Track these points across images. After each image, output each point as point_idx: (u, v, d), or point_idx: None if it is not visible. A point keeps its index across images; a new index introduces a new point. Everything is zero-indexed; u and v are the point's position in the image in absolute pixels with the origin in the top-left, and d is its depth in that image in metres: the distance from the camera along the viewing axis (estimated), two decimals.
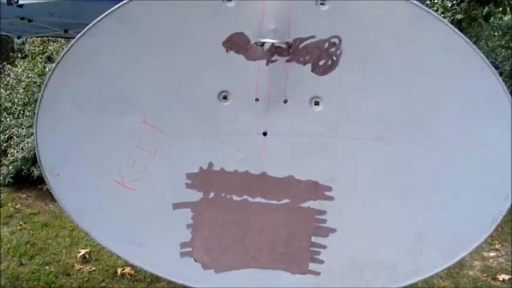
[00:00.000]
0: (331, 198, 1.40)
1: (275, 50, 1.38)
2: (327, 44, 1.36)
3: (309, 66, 1.39)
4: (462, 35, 1.33)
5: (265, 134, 1.42)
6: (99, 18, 1.41)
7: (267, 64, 1.39)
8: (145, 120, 1.43)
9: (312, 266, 1.42)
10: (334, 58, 1.37)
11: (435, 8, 12.10)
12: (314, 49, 1.38)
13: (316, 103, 1.40)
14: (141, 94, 1.44)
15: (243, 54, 1.39)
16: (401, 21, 1.34)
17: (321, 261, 1.41)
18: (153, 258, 1.50)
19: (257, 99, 1.41)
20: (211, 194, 1.44)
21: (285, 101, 1.41)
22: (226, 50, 1.39)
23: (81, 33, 1.42)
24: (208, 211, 1.44)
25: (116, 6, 1.40)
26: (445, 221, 1.37)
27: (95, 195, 1.49)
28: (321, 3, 1.35)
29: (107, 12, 1.41)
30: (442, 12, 11.55)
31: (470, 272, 5.44)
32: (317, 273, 1.42)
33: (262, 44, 1.38)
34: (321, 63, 1.38)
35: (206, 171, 1.43)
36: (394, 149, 1.37)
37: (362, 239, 1.41)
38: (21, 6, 2.82)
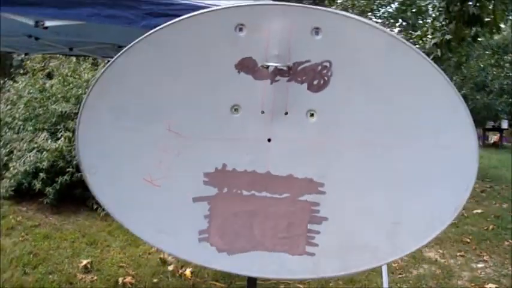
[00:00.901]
0: (323, 192, 1.67)
1: (278, 71, 1.65)
2: (320, 67, 1.64)
3: (305, 85, 1.66)
4: (429, 59, 1.61)
5: (269, 140, 1.69)
6: (134, 42, 1.69)
7: (271, 83, 1.66)
8: (170, 128, 1.72)
9: (308, 249, 1.68)
10: (326, 78, 1.64)
11: (425, 29, 12.38)
12: (309, 71, 1.65)
13: (311, 115, 1.67)
14: (167, 106, 1.72)
15: (252, 75, 1.67)
16: (379, 48, 1.63)
17: (316, 245, 1.67)
18: (176, 243, 1.78)
19: (263, 112, 1.69)
20: (225, 190, 1.72)
21: (286, 113, 1.68)
22: (238, 71, 1.67)
23: (119, 54, 1.70)
24: (222, 204, 1.72)
25: (149, 32, 1.69)
26: (418, 209, 1.64)
27: (127, 191, 1.77)
28: (315, 34, 1.63)
29: (140, 38, 1.68)
30: (432, 33, 11.82)
31: (459, 282, 5.63)
32: (312, 254, 1.67)
33: (267, 66, 1.65)
34: (315, 82, 1.65)
35: (220, 171, 1.72)
36: (375, 151, 1.64)
37: (349, 225, 1.68)
38: (46, 28, 3.06)
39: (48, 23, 3.19)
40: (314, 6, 1.63)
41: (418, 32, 13.34)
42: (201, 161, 1.73)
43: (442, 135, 1.62)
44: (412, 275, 5.96)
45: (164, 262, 5.91)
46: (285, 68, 1.65)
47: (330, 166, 1.68)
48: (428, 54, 11.50)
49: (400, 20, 24.74)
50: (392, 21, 25.22)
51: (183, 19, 1.68)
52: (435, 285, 5.61)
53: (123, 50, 1.68)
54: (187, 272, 5.63)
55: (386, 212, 1.67)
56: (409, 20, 22.78)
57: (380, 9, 24.49)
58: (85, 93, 6.93)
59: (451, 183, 1.62)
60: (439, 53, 11.18)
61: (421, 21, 20.11)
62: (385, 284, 3.85)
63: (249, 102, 1.70)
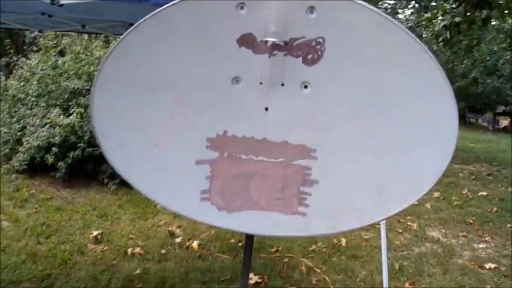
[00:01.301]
0: (315, 158, 1.81)
1: (275, 46, 1.79)
2: (314, 43, 1.77)
3: (300, 59, 1.79)
4: (414, 37, 1.73)
5: (266, 109, 1.84)
6: (143, 19, 1.84)
7: (269, 57, 1.80)
8: (176, 98, 1.88)
9: (300, 209, 1.83)
10: (319, 53, 1.78)
11: (435, 11, 12.35)
12: (304, 46, 1.78)
13: (305, 86, 1.81)
14: (173, 78, 1.88)
15: (251, 49, 1.82)
16: (369, 26, 1.76)
17: (307, 205, 1.83)
18: (180, 202, 1.94)
19: (261, 83, 1.83)
20: (225, 154, 1.88)
21: (282, 85, 1.82)
22: (239, 46, 1.82)
23: (130, 29, 1.85)
24: (223, 166, 1.88)
25: (157, 10, 1.83)
26: (400, 174, 1.79)
27: (137, 154, 1.94)
28: (310, 12, 1.77)
29: (149, 15, 1.83)
30: (442, 15, 11.81)
31: (459, 261, 5.79)
32: (304, 214, 1.83)
33: (266, 41, 1.78)
34: (309, 56, 1.79)
35: (221, 137, 1.87)
36: (363, 121, 1.78)
37: (338, 188, 1.82)
38: (61, 5, 3.19)
39: (63, 1, 3.32)
40: None
41: (428, 14, 13.30)
42: (204, 127, 1.89)
43: (424, 107, 1.75)
44: (414, 252, 6.11)
45: (172, 235, 6.10)
46: (282, 43, 1.79)
47: (321, 134, 1.82)
48: (437, 36, 11.53)
49: (413, 2, 24.61)
50: (404, 2, 25.09)
51: None
52: (436, 262, 5.76)
53: (133, 26, 1.83)
54: (195, 244, 5.82)
55: (371, 177, 1.81)
56: (422, 1, 22.65)
57: None
58: (97, 70, 7.10)
59: (431, 152, 1.76)
60: (448, 35, 11.20)
61: (433, 3, 20.03)
62: (384, 259, 3.99)
63: (248, 74, 1.85)
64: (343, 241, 6.36)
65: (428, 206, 8.28)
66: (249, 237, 2.00)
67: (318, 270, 5.43)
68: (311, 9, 1.76)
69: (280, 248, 5.96)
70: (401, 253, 6.18)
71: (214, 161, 1.88)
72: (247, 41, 1.82)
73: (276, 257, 5.73)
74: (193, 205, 1.92)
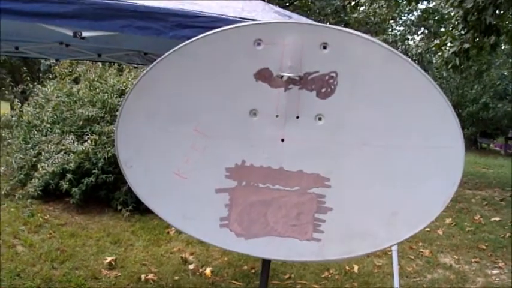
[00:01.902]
0: (329, 186, 1.90)
1: (291, 80, 1.88)
2: (327, 77, 1.87)
3: (314, 92, 1.89)
4: (421, 70, 1.82)
5: (283, 140, 1.93)
6: (166, 54, 1.94)
7: (285, 91, 1.90)
8: (197, 128, 1.98)
9: (315, 235, 1.91)
10: (332, 87, 1.88)
11: (444, 37, 12.45)
12: (318, 80, 1.88)
13: (319, 119, 1.90)
14: (194, 110, 1.98)
15: (268, 83, 1.92)
16: (378, 60, 1.85)
17: (322, 231, 1.91)
18: (200, 228, 2.03)
19: (277, 116, 1.93)
20: (244, 183, 1.97)
21: (297, 117, 1.91)
22: (256, 80, 1.92)
23: (153, 64, 1.95)
24: (241, 195, 1.97)
25: (179, 46, 1.94)
26: (409, 201, 1.86)
27: (158, 182, 2.03)
28: (323, 48, 1.87)
29: (172, 50, 1.93)
30: (451, 41, 11.91)
31: (472, 287, 5.80)
32: (318, 240, 1.90)
33: (282, 76, 1.88)
34: (323, 90, 1.88)
35: (240, 166, 1.97)
36: (376, 150, 1.87)
37: (351, 215, 1.90)
38: (83, 38, 3.31)
39: (85, 34, 3.44)
40: (322, 24, 1.87)
41: (438, 41, 13.39)
42: (223, 157, 1.98)
43: (432, 137, 1.83)
44: (426, 279, 6.11)
45: (185, 261, 6.15)
46: (297, 78, 1.89)
47: (335, 163, 1.91)
48: (447, 63, 11.63)
49: (422, 28, 24.76)
50: (414, 29, 25.24)
51: (209, 34, 1.92)
52: None
53: (157, 61, 1.94)
54: (208, 271, 5.86)
55: (383, 204, 1.89)
56: (432, 27, 22.81)
57: (402, 17, 24.55)
58: (110, 98, 7.21)
59: (440, 179, 1.83)
60: (457, 62, 11.29)
61: (443, 29, 20.18)
62: (397, 286, 4.02)
63: (265, 107, 1.94)
64: (356, 268, 6.39)
65: (440, 232, 8.28)
66: (266, 262, 2.08)
67: None
68: (324, 45, 1.86)
69: (292, 275, 5.99)
70: (413, 279, 6.18)
71: (233, 190, 1.97)
72: (263, 75, 1.92)
73: (288, 284, 5.76)
74: (212, 232, 2.00)
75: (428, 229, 8.40)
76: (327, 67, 1.88)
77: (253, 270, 5.94)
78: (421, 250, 7.22)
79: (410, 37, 26.00)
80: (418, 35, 26.23)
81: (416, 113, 1.84)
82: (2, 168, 9.29)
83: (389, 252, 6.50)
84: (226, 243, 2.01)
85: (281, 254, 1.97)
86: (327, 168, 1.90)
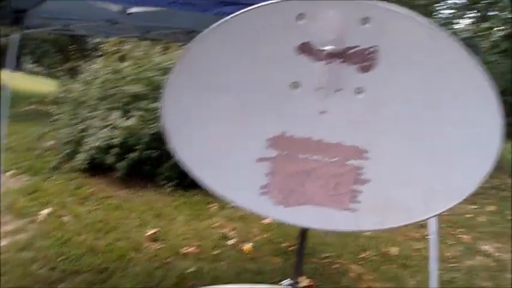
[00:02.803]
0: (367, 158, 1.94)
1: (332, 54, 1.91)
2: (368, 51, 1.89)
3: (355, 66, 1.91)
4: (463, 45, 1.81)
5: (323, 112, 1.98)
6: (211, 26, 2.00)
7: (326, 64, 1.93)
8: (239, 99, 2.05)
9: (352, 205, 1.95)
10: (373, 61, 1.90)
11: (494, 20, 12.19)
12: (359, 54, 1.90)
13: (359, 92, 1.93)
14: (236, 82, 2.04)
15: (309, 57, 1.95)
16: (420, 35, 1.86)
17: (358, 202, 1.95)
18: (241, 196, 2.12)
19: (318, 88, 1.97)
20: (284, 153, 2.02)
21: (338, 90, 1.95)
22: (298, 54, 1.97)
23: (198, 36, 2.02)
24: (281, 164, 2.02)
25: (223, 20, 2.00)
26: (448, 176, 1.89)
27: (202, 151, 2.12)
28: (365, 23, 1.89)
29: (216, 23, 1.98)
30: (500, 25, 11.67)
31: None
32: (355, 210, 1.95)
33: (323, 50, 1.92)
34: (364, 64, 1.89)
35: (280, 137, 2.02)
36: (413, 124, 1.90)
37: (388, 187, 1.93)
38: (130, 14, 3.41)
39: (132, 9, 3.55)
40: (365, 0, 1.89)
41: (487, 24, 13.13)
42: (264, 128, 2.04)
43: (470, 113, 1.84)
44: (464, 265, 6.10)
45: (225, 237, 6.29)
46: (338, 52, 1.92)
47: (373, 136, 1.94)
48: (495, 46, 11.41)
49: (471, 11, 24.20)
50: (462, 12, 24.69)
51: (252, 9, 1.97)
52: (487, 276, 5.74)
53: (201, 33, 2.00)
54: (247, 246, 5.98)
55: (419, 178, 1.91)
56: (481, 11, 22.27)
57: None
58: (156, 76, 7.35)
59: (476, 156, 1.84)
60: (506, 45, 11.07)
61: (492, 13, 19.70)
62: (434, 270, 4.02)
63: (306, 80, 1.99)
64: (394, 250, 6.41)
65: (482, 219, 8.20)
66: (303, 231, 2.14)
67: (367, 278, 5.50)
68: (366, 20, 1.89)
69: (330, 254, 6.06)
70: (451, 265, 6.17)
71: (273, 159, 2.03)
72: (305, 49, 1.95)
73: (326, 263, 5.83)
74: (253, 199, 2.07)
75: (469, 215, 8.34)
76: (368, 42, 1.90)
77: (291, 248, 6.03)
78: (461, 236, 7.18)
79: (457, 21, 25.43)
80: (466, 19, 25.65)
81: (456, 89, 1.85)
82: (50, 142, 9.59)
83: (428, 237, 6.50)
84: (266, 210, 2.08)
85: (318, 223, 2.03)
86: (366, 141, 1.94)
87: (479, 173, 1.85)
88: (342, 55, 1.93)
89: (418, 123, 1.91)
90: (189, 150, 2.12)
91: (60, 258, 5.25)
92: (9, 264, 5.02)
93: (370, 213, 1.96)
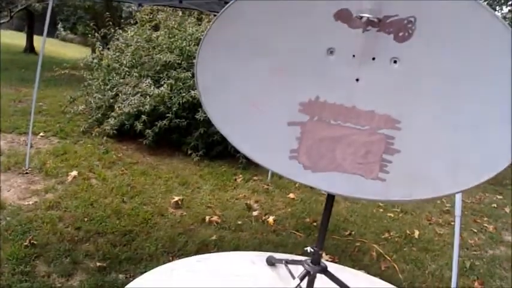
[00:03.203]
0: (399, 128, 1.93)
1: (369, 22, 1.90)
2: (405, 21, 1.87)
3: (392, 35, 1.90)
4: (501, 20, 1.81)
5: (357, 80, 1.96)
6: None
7: (363, 32, 1.92)
8: (274, 63, 2.05)
9: (381, 175, 1.95)
10: (410, 31, 1.88)
11: None
12: (396, 24, 1.88)
13: (395, 62, 1.92)
14: (272, 45, 2.04)
15: (347, 24, 1.95)
16: (459, 8, 1.84)
17: (387, 172, 1.95)
18: (268, 158, 2.13)
19: (354, 56, 1.96)
20: (316, 118, 2.03)
21: (373, 58, 1.93)
22: (335, 20, 1.96)
23: (233, 1, 2.04)
24: (312, 129, 2.03)
25: None
26: (478, 152, 1.86)
27: (233, 111, 2.14)
28: None
29: None
30: None
31: None
32: (383, 180, 1.95)
33: (361, 17, 1.91)
34: (400, 34, 1.89)
35: (313, 102, 2.03)
36: (447, 96, 1.87)
37: (418, 159, 1.92)
38: None
39: None
40: None
41: None
42: (298, 92, 2.04)
43: (504, 89, 1.82)
44: (487, 254, 6.08)
45: (249, 208, 6.35)
46: (375, 20, 1.90)
47: (407, 107, 1.92)
48: None
49: None
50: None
51: None
52: (509, 267, 5.71)
53: None
54: (270, 219, 6.04)
55: (450, 150, 1.90)
56: None
57: None
58: (188, 46, 7.41)
59: (507, 132, 1.82)
60: None
61: None
62: (456, 255, 4.02)
63: (342, 46, 1.98)
64: (416, 233, 6.41)
65: (507, 210, 8.13)
66: (330, 197, 2.15)
67: (388, 258, 5.52)
68: None
69: (353, 232, 6.09)
70: (473, 253, 6.16)
71: (304, 124, 2.04)
72: (343, 15, 1.94)
73: (348, 240, 5.86)
74: (281, 162, 2.08)
75: (495, 205, 8.27)
76: (407, 11, 1.87)
77: (314, 223, 6.07)
78: (485, 225, 7.15)
79: (498, 8, 24.90)
80: (507, 6, 25.10)
81: (492, 65, 1.82)
82: (82, 107, 9.73)
83: (452, 223, 6.46)
84: (294, 174, 2.09)
85: (346, 190, 2.03)
86: (399, 111, 1.92)
87: (510, 148, 1.83)
88: (378, 24, 1.91)
89: (451, 97, 1.89)
90: (219, 108, 2.15)
91: (86, 219, 5.36)
92: (38, 221, 5.15)
93: (399, 184, 1.95)
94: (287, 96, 2.06)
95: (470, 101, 1.87)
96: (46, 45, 6.71)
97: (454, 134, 1.90)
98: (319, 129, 2.03)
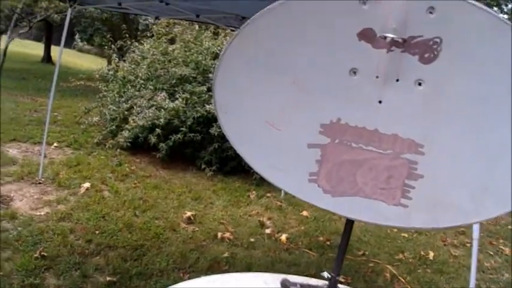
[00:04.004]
0: (422, 153, 1.87)
1: (394, 43, 1.84)
2: (431, 42, 1.82)
3: (417, 56, 1.84)
4: None
5: (380, 102, 1.91)
6: (270, 6, 1.96)
7: (387, 52, 1.86)
8: (295, 81, 1.99)
9: (403, 201, 1.88)
10: (436, 52, 1.82)
11: None
12: (422, 45, 1.83)
13: (419, 84, 1.86)
14: (293, 62, 1.99)
15: (370, 44, 1.90)
16: (484, 28, 1.76)
17: (410, 198, 1.88)
18: (286, 180, 2.07)
19: (377, 77, 1.90)
20: (337, 140, 1.97)
21: (397, 80, 1.88)
22: (359, 39, 1.90)
23: (256, 15, 1.97)
24: (333, 152, 1.97)
25: (279, 1, 1.95)
26: (504, 178, 1.80)
27: (252, 130, 2.07)
28: (430, 13, 1.83)
29: (276, 3, 1.95)
30: None
31: None
32: (406, 206, 1.88)
33: (385, 37, 1.86)
34: (426, 55, 1.83)
35: (335, 124, 1.96)
36: (472, 120, 1.81)
37: (442, 185, 1.85)
38: None
39: None
40: None
41: None
42: (319, 113, 1.98)
43: None
44: (503, 277, 5.96)
45: (262, 225, 6.28)
46: (400, 40, 1.84)
47: (431, 130, 1.86)
48: None
49: None
50: None
51: None
52: None
53: (262, 11, 1.96)
54: (283, 237, 5.96)
55: (476, 177, 1.83)
56: None
57: None
58: (204, 60, 7.40)
59: None
60: None
61: None
62: (473, 280, 3.94)
63: (365, 67, 1.91)
64: (431, 254, 6.32)
65: None
66: (349, 223, 2.08)
67: (402, 279, 5.43)
68: (431, 9, 1.81)
69: (366, 252, 6.00)
70: (490, 276, 6.05)
71: (325, 146, 1.97)
72: (367, 35, 1.89)
73: (361, 261, 5.77)
74: (300, 185, 2.02)
75: (510, 227, 8.14)
76: (432, 32, 1.82)
77: (328, 242, 5.98)
78: (502, 247, 7.03)
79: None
80: None
81: None
82: (96, 118, 9.75)
83: (468, 244, 6.36)
84: (313, 198, 2.02)
85: (366, 216, 1.97)
86: (422, 135, 1.86)
87: None
88: (403, 44, 1.86)
89: (477, 120, 1.82)
90: (236, 126, 2.10)
91: (97, 232, 5.32)
92: (49, 233, 5.12)
93: (421, 211, 1.88)
94: (307, 116, 2.00)
95: (498, 123, 1.80)
96: (63, 55, 6.73)
97: (481, 159, 1.83)
98: (340, 152, 1.96)
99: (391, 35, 1.85)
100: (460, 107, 1.84)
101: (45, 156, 7.27)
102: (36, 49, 30.92)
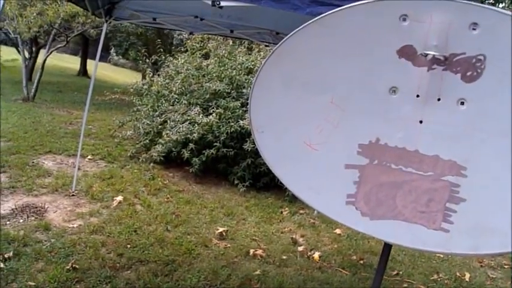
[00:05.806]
0: (465, 175, 1.80)
1: (435, 60, 1.80)
2: (474, 60, 1.76)
3: (459, 75, 1.79)
4: None
5: (421, 122, 1.85)
6: (307, 23, 1.92)
7: (428, 70, 1.82)
8: (333, 101, 1.94)
9: (444, 225, 1.81)
10: (479, 71, 1.76)
11: None
12: (464, 62, 1.78)
13: (462, 103, 1.80)
14: (332, 81, 1.94)
15: (411, 61, 1.84)
16: None
17: (451, 222, 1.81)
18: (323, 202, 2.01)
19: (418, 96, 1.85)
20: (375, 161, 1.91)
21: (439, 99, 1.83)
22: (399, 57, 1.85)
23: (295, 31, 1.94)
24: (372, 173, 1.91)
25: (321, 15, 1.91)
26: None
27: (288, 151, 2.03)
28: (472, 29, 1.77)
29: (314, 19, 1.91)
30: None
31: None
32: (447, 231, 1.81)
33: (426, 55, 1.80)
34: (469, 73, 1.78)
35: (374, 144, 1.91)
36: None
37: (485, 209, 1.78)
38: (221, 7, 3.37)
39: (223, 3, 3.50)
40: (474, 3, 1.75)
41: None
42: (357, 133, 1.93)
43: None
44: None
45: (295, 242, 6.18)
46: (441, 58, 1.79)
47: (473, 152, 1.79)
48: None
49: None
50: None
51: (354, 6, 1.87)
52: None
53: (297, 29, 1.92)
54: (316, 255, 5.85)
55: None
56: None
57: None
58: (238, 75, 7.38)
59: None
60: None
61: None
62: None
63: (406, 85, 1.86)
64: (467, 276, 6.14)
65: None
66: (387, 246, 2.02)
67: None
68: (474, 25, 1.75)
69: (400, 272, 5.86)
70: None
71: (363, 167, 1.92)
72: (407, 52, 1.84)
73: (395, 281, 5.63)
74: (337, 207, 1.97)
75: None
76: (475, 49, 1.76)
77: (361, 261, 5.86)
78: None
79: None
80: None
81: None
82: (130, 132, 9.80)
83: (506, 266, 6.19)
84: (351, 221, 1.97)
85: (405, 240, 1.90)
86: (465, 157, 1.79)
87: None
88: (445, 62, 1.80)
89: None
90: (273, 147, 2.05)
91: (129, 246, 5.31)
92: (81, 245, 5.12)
93: (463, 237, 1.81)
94: (345, 136, 1.95)
95: None
96: (98, 69, 6.80)
97: None
98: (379, 174, 1.90)
99: (433, 52, 1.80)
100: (503, 127, 1.76)
101: (79, 169, 7.31)
102: (73, 63, 31.40)
